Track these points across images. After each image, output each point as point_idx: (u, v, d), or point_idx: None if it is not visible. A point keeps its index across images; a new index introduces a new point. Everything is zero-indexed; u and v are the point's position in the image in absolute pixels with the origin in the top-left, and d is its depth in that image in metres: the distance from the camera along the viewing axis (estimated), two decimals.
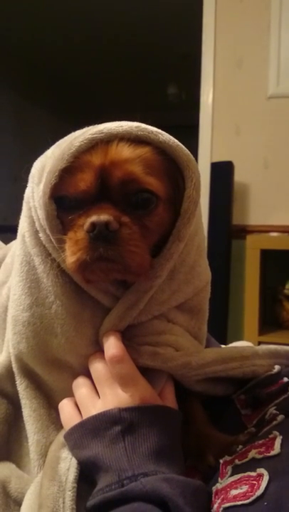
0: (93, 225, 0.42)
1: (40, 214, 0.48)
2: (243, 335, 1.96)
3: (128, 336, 0.49)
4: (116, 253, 0.43)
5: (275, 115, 2.26)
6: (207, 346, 0.58)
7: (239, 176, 2.25)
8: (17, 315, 0.51)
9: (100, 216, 0.43)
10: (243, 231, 2.23)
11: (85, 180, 0.44)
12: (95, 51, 4.13)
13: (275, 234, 2.14)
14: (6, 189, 4.39)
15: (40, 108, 4.97)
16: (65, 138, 0.50)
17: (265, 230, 2.21)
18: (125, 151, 0.45)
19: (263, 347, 0.54)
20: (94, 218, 0.43)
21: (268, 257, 2.00)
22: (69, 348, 0.50)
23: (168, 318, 0.51)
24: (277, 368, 0.52)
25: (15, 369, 0.53)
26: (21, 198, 0.53)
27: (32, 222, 0.50)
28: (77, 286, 0.49)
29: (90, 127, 0.47)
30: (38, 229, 0.49)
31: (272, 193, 2.26)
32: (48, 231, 0.47)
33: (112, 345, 0.47)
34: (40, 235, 0.49)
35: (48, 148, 0.51)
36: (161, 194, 0.46)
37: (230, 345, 0.70)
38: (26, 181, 0.52)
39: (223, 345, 0.71)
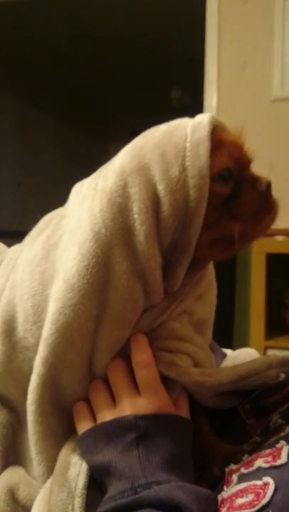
0: (268, 183, 0.50)
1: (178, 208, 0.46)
2: (249, 340, 1.95)
3: (149, 338, 0.48)
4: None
5: (279, 118, 2.26)
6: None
7: None
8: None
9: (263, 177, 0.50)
10: None
11: (242, 154, 0.52)
12: (98, 56, 4.15)
13: (280, 238, 2.13)
14: (10, 195, 4.39)
15: (43, 113, 4.99)
16: (155, 135, 0.52)
17: (270, 233, 2.19)
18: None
19: (278, 356, 0.53)
20: (265, 179, 0.50)
21: (274, 261, 2.00)
22: None
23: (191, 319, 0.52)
24: (282, 376, 0.52)
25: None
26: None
27: (123, 228, 0.45)
28: None
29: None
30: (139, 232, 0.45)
31: (277, 197, 2.25)
32: (196, 215, 0.46)
33: (141, 349, 0.47)
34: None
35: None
36: None
37: (236, 352, 0.70)
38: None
39: (228, 351, 0.71)
